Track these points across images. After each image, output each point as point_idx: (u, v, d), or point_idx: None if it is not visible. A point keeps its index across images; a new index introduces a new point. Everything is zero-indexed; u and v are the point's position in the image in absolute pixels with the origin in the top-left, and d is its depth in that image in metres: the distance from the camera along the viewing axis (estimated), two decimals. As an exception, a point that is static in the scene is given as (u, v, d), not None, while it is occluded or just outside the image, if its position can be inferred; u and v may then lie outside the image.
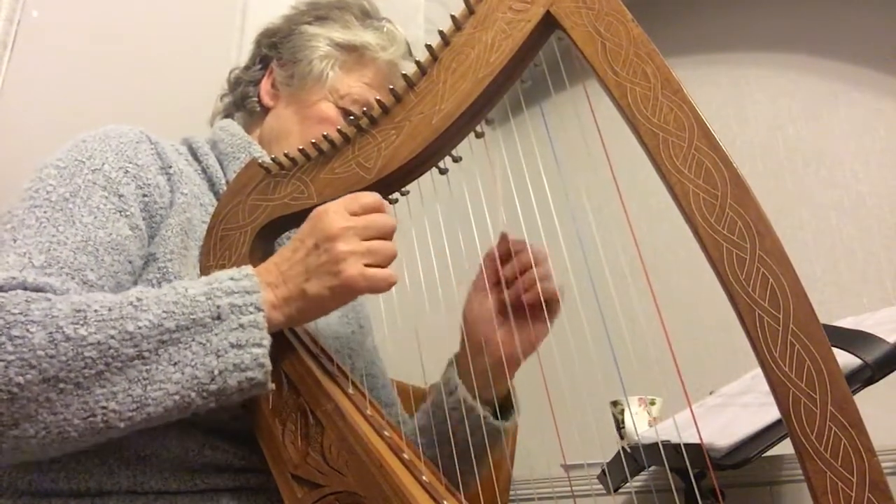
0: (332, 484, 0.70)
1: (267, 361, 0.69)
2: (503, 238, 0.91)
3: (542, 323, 0.89)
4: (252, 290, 0.71)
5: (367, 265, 0.73)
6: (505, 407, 0.95)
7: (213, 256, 0.81)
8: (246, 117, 1.06)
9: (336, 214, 0.74)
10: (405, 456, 0.75)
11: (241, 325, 0.69)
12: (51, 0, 1.30)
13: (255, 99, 1.05)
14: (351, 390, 0.80)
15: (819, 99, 2.09)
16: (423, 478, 0.73)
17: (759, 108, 2.17)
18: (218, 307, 0.69)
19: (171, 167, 0.87)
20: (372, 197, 0.76)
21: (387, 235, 0.76)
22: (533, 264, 0.88)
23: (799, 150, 2.08)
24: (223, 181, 0.93)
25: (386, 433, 0.76)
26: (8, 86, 1.20)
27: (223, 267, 0.79)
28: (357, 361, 1.00)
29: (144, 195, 0.82)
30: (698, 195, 0.62)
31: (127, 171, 0.82)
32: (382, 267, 0.74)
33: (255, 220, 0.80)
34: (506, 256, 0.90)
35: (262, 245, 0.82)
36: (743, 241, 0.60)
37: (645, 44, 0.67)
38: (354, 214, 0.74)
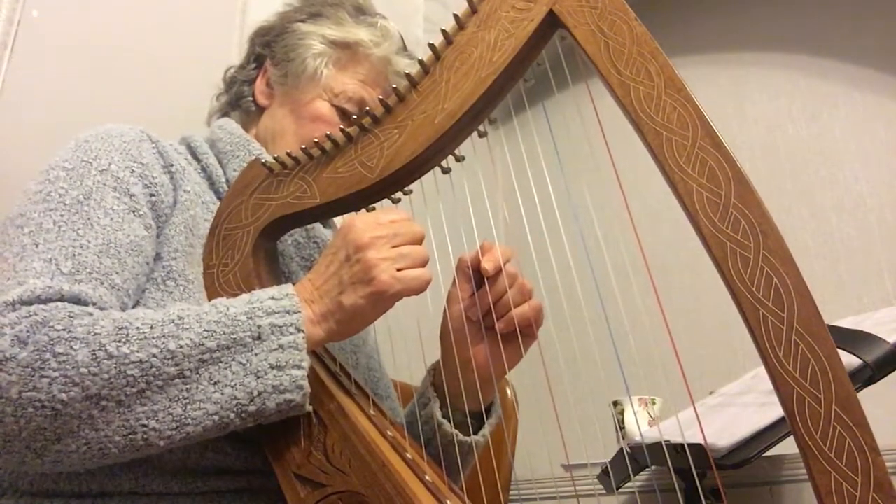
0: (336, 484, 0.70)
1: (306, 384, 0.69)
2: (476, 254, 0.87)
3: (516, 347, 0.86)
4: (292, 310, 0.71)
5: (399, 269, 0.74)
6: (486, 414, 0.93)
7: (215, 255, 0.80)
8: (242, 116, 1.06)
9: (365, 225, 0.75)
10: (408, 455, 0.74)
11: (281, 346, 0.69)
12: (51, 0, 1.30)
13: (251, 98, 1.05)
14: (354, 390, 0.79)
15: (819, 99, 2.09)
16: (427, 477, 0.73)
17: (759, 108, 2.17)
18: (259, 327, 0.69)
19: (172, 165, 0.87)
20: (399, 212, 0.78)
21: (416, 241, 0.76)
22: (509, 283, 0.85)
23: (799, 150, 2.08)
24: (223, 179, 0.93)
25: (389, 433, 0.76)
26: (8, 86, 1.20)
27: (226, 266, 0.79)
28: (360, 357, 1.00)
29: (151, 194, 0.82)
30: (702, 194, 0.62)
31: (133, 171, 0.82)
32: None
33: (257, 219, 0.80)
34: (478, 269, 0.87)
35: (265, 244, 0.82)
36: (747, 240, 0.60)
37: (648, 42, 0.67)
38: (382, 225, 0.75)
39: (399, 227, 0.76)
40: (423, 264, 0.76)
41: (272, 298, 0.71)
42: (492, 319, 0.86)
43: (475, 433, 0.92)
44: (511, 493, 1.24)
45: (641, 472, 1.33)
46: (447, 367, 0.89)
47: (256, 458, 0.76)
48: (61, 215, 0.75)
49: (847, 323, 1.15)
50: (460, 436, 0.89)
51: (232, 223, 0.81)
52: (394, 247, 0.74)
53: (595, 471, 1.39)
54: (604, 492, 1.38)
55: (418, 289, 0.75)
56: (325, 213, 0.80)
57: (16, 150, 1.15)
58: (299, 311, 0.71)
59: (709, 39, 2.28)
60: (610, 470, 1.32)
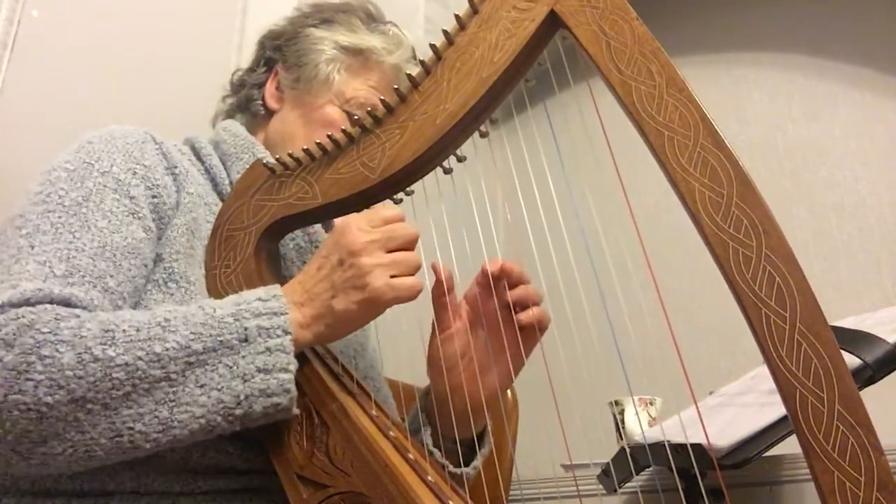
0: (338, 484, 0.70)
1: (293, 387, 0.69)
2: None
3: (506, 367, 0.86)
4: (280, 312, 0.71)
5: (392, 276, 0.74)
6: (478, 442, 0.93)
7: (217, 256, 0.80)
8: (249, 119, 1.06)
9: (359, 229, 0.75)
10: (410, 456, 0.74)
11: (269, 349, 0.69)
12: (51, 0, 1.30)
13: (260, 102, 1.05)
14: (356, 390, 0.79)
15: (819, 99, 2.09)
16: (429, 478, 0.73)
17: (759, 108, 2.17)
18: (245, 329, 0.69)
19: (176, 167, 0.87)
20: (393, 210, 0.78)
21: (410, 245, 0.76)
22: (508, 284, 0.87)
23: (799, 150, 2.08)
24: (227, 181, 0.93)
25: (391, 433, 0.76)
26: (8, 86, 1.20)
27: (228, 267, 0.79)
28: (360, 362, 1.00)
29: (154, 196, 0.82)
30: (704, 194, 0.62)
31: (135, 173, 0.82)
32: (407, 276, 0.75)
33: (259, 220, 0.80)
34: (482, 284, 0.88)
35: (267, 245, 0.82)
36: (749, 239, 0.60)
37: (649, 42, 0.67)
38: (376, 227, 0.75)
39: (393, 230, 0.76)
40: (415, 272, 0.76)
41: (259, 300, 0.71)
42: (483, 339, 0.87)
43: (466, 464, 0.91)
44: (513, 492, 1.24)
45: (641, 472, 1.32)
46: (439, 403, 0.89)
47: (258, 457, 0.76)
48: (59, 217, 0.75)
49: (847, 323, 1.14)
50: (451, 467, 0.88)
51: (234, 224, 0.81)
52: (388, 251, 0.75)
53: (595, 471, 1.38)
54: (604, 492, 1.38)
55: (409, 297, 0.75)
56: (326, 213, 0.80)
57: (16, 150, 1.15)
58: (287, 313, 0.71)
59: (709, 39, 2.28)
60: (611, 469, 1.32)
